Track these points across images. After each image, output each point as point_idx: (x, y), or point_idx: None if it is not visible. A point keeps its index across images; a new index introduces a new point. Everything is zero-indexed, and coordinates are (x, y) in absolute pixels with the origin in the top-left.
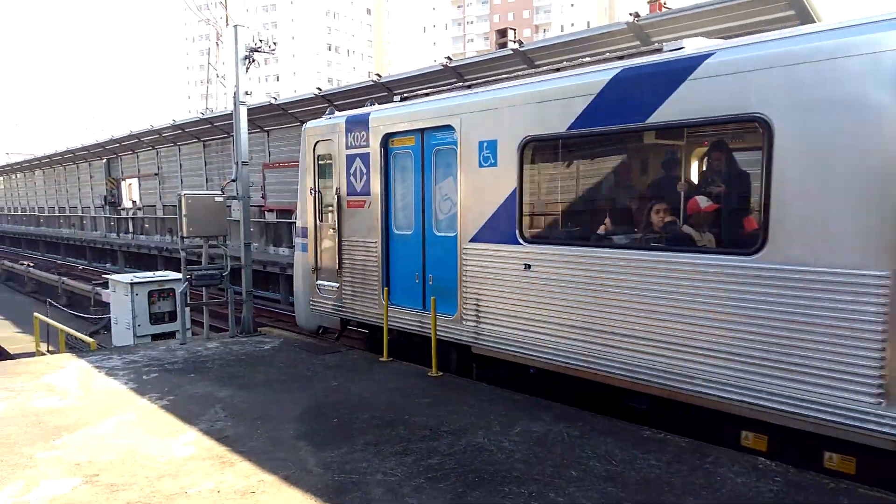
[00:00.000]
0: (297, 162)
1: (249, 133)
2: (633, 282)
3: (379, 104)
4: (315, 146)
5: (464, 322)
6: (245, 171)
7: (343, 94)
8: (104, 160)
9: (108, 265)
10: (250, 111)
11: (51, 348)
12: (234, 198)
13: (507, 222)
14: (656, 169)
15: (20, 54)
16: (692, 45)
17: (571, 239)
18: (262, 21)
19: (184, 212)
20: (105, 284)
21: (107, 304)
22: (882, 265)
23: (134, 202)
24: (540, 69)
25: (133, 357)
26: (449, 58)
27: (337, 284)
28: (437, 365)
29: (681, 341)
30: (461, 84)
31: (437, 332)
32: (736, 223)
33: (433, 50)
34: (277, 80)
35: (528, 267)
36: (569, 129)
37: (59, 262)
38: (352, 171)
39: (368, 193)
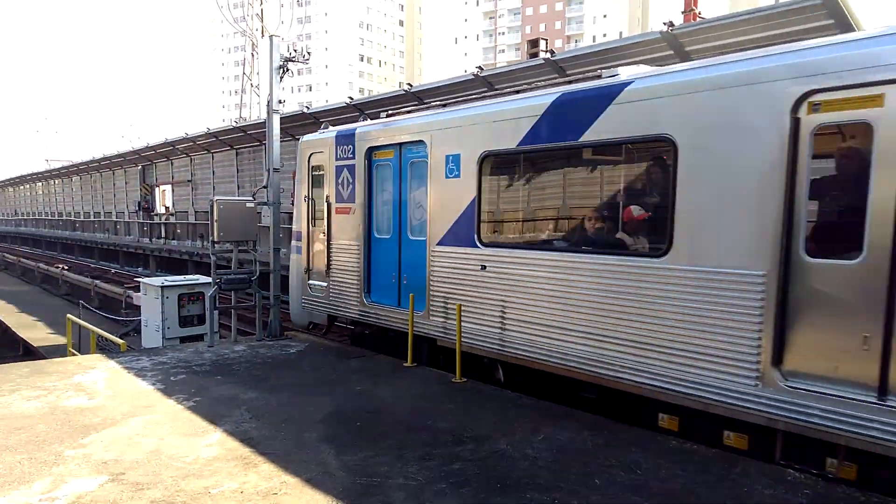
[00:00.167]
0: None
1: (281, 141)
2: (568, 281)
3: (370, 119)
4: (309, 158)
5: (431, 318)
6: (276, 178)
7: (373, 103)
8: (139, 167)
9: (139, 269)
10: (283, 119)
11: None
12: (264, 204)
13: (468, 227)
14: (589, 181)
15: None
16: (626, 73)
17: (520, 243)
18: (297, 33)
19: (215, 217)
20: (136, 288)
21: (138, 307)
22: (759, 266)
23: (167, 208)
24: (502, 91)
25: (161, 359)
26: (480, 67)
27: (325, 284)
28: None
29: (606, 333)
30: (438, 102)
31: (397, 325)
32: (650, 230)
33: (464, 61)
34: (310, 90)
35: (484, 267)
36: (518, 145)
37: (92, 265)
38: (340, 181)
39: (354, 201)
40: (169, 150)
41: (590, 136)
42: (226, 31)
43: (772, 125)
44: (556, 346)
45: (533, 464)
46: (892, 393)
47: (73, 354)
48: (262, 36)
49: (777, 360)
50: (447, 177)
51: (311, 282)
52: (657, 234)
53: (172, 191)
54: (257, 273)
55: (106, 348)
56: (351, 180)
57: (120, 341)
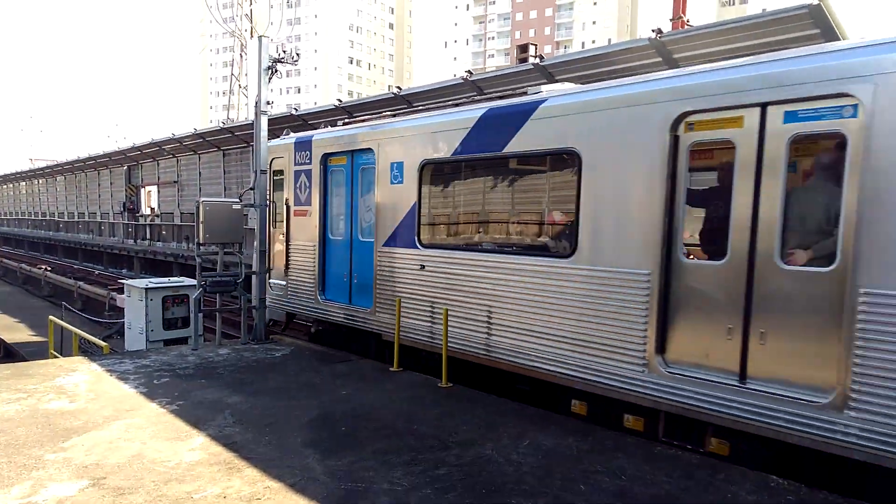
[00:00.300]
0: None
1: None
2: (493, 279)
3: (331, 126)
4: (271, 162)
5: (377, 314)
6: (263, 180)
7: (362, 105)
8: (125, 167)
9: (124, 271)
10: (271, 121)
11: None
12: (251, 206)
13: (410, 230)
14: (512, 189)
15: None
16: (553, 89)
17: (454, 244)
18: (286, 34)
19: (201, 218)
20: (120, 290)
21: (121, 310)
22: (646, 266)
23: (152, 209)
24: (444, 104)
25: (145, 362)
26: (469, 72)
27: (285, 282)
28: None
29: (526, 327)
30: (388, 112)
31: (355, 322)
32: (560, 234)
33: (453, 65)
34: (299, 92)
35: (423, 267)
36: (452, 155)
37: (76, 266)
38: (298, 185)
39: (310, 204)
40: (155, 151)
41: (512, 147)
42: (214, 32)
43: (655, 142)
44: (485, 340)
45: (518, 469)
46: (750, 377)
47: (55, 357)
48: (251, 37)
49: (660, 348)
50: (392, 183)
51: (271, 281)
52: (566, 237)
53: (158, 192)
54: (243, 276)
55: (88, 351)
56: (308, 184)
57: (103, 343)
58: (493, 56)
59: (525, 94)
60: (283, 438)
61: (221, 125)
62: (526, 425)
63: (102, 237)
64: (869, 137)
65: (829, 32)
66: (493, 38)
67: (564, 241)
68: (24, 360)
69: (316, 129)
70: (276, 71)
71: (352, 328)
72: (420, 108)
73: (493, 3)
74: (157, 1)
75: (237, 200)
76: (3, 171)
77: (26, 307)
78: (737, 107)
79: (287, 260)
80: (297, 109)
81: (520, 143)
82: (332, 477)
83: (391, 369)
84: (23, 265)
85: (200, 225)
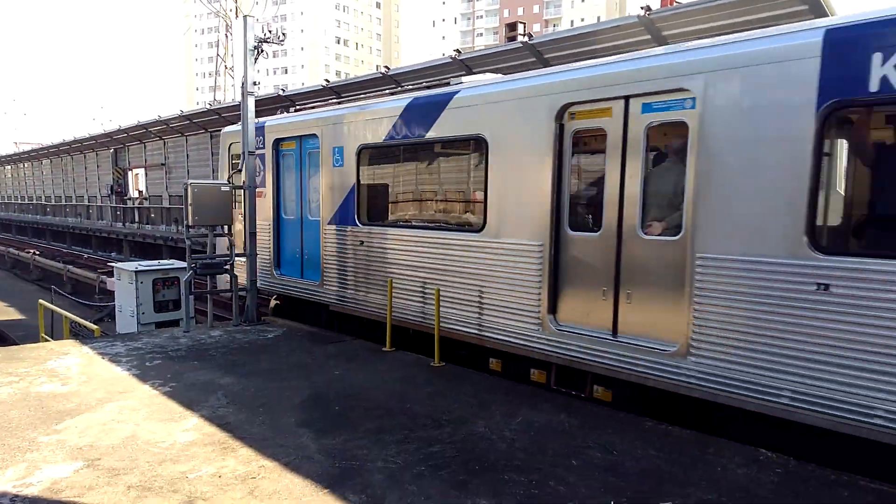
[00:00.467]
0: None
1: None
2: (422, 252)
3: (286, 112)
4: (230, 147)
5: (325, 286)
6: (252, 161)
7: (350, 86)
8: (111, 150)
9: (113, 254)
10: (258, 102)
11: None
12: (239, 187)
13: (350, 209)
14: (435, 171)
15: (30, 45)
16: (470, 80)
17: (388, 222)
18: (272, 14)
19: (190, 201)
20: (110, 273)
21: (111, 293)
22: (539, 238)
23: (140, 192)
24: (383, 91)
25: (136, 344)
26: (458, 51)
27: (242, 259)
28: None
29: (451, 295)
30: (335, 101)
31: (307, 295)
32: (474, 210)
33: (442, 44)
34: (286, 72)
35: (362, 243)
36: (384, 140)
37: (64, 250)
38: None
39: (265, 186)
40: (142, 133)
41: (433, 133)
42: (199, 12)
43: (545, 129)
44: (418, 308)
45: (511, 446)
46: (620, 332)
47: (46, 340)
48: (237, 16)
49: (552, 309)
50: (334, 166)
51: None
52: (478, 214)
53: (146, 174)
54: (233, 257)
55: (80, 334)
56: (262, 168)
57: (94, 327)
58: (481, 35)
59: (448, 84)
60: (277, 418)
61: (208, 106)
62: (518, 403)
63: (91, 220)
64: (702, 125)
65: (816, 7)
66: (481, 16)
67: (477, 217)
68: (15, 343)
69: (304, 109)
70: (262, 51)
71: (302, 300)
72: (365, 94)
73: None
74: None
75: (226, 182)
76: None
77: (16, 291)
78: (607, 99)
79: (245, 237)
80: (284, 90)
81: (439, 130)
82: (326, 455)
83: (383, 349)
84: (11, 249)
85: (189, 207)
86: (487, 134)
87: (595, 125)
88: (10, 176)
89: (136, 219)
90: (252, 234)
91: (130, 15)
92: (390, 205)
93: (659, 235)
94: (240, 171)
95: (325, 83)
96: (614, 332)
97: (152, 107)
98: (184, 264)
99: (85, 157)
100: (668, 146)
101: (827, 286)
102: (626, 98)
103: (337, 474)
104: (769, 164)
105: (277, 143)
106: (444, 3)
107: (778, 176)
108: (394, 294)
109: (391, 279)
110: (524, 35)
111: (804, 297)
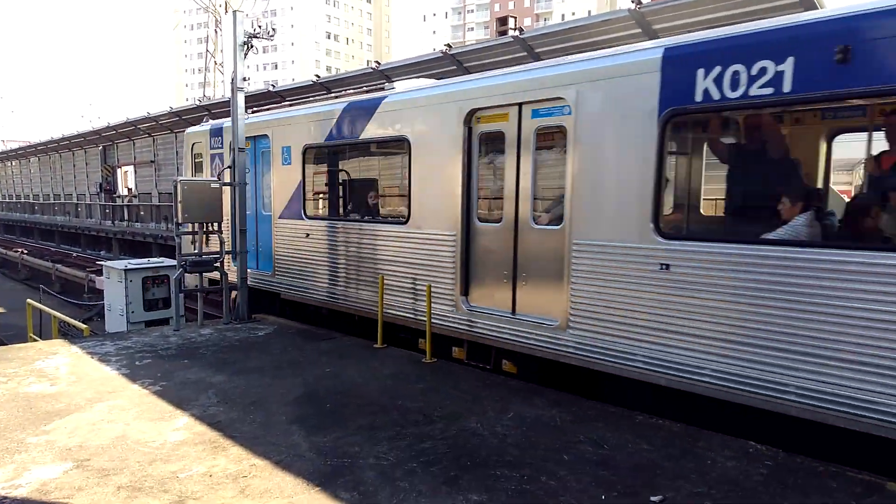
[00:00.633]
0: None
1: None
2: (359, 243)
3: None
4: (192, 146)
5: (276, 276)
6: (241, 158)
7: (341, 81)
8: (100, 147)
9: (102, 252)
10: (248, 98)
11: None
12: (229, 184)
13: (298, 204)
14: (370, 168)
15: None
16: (401, 86)
17: (329, 216)
18: (262, 9)
19: (179, 198)
20: (99, 271)
21: (100, 292)
22: (453, 229)
23: (129, 189)
24: (327, 96)
25: (126, 343)
26: (448, 45)
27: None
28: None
29: (386, 281)
30: (285, 103)
31: (261, 285)
32: (402, 204)
33: (433, 39)
34: (276, 68)
35: (307, 235)
36: (325, 140)
37: (53, 249)
38: (213, 167)
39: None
40: (131, 130)
41: (366, 134)
42: (188, 7)
43: (456, 132)
44: (357, 295)
45: (503, 441)
46: (518, 311)
47: (35, 340)
48: (226, 12)
49: (465, 292)
50: (283, 164)
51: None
52: (404, 207)
53: (135, 172)
54: (223, 255)
55: (68, 333)
56: (221, 166)
57: (83, 326)
58: (472, 29)
59: (382, 88)
60: (268, 416)
61: (198, 103)
62: (510, 398)
63: (80, 219)
64: (576, 129)
65: (808, 1)
66: (472, 10)
67: (403, 210)
68: (3, 343)
69: (295, 105)
70: (251, 47)
71: (259, 290)
72: (315, 97)
73: None
74: None
75: (215, 179)
76: None
77: (3, 291)
78: (504, 105)
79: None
80: (274, 86)
81: (371, 131)
82: (318, 453)
83: (375, 346)
84: None
85: (179, 204)
86: (410, 135)
87: (496, 128)
88: None
89: (126, 217)
90: (242, 232)
91: (119, 11)
92: (332, 200)
93: (547, 225)
94: (230, 167)
95: (315, 78)
96: (513, 310)
97: (141, 103)
98: (174, 262)
99: (73, 154)
100: (552, 147)
101: (668, 266)
102: (520, 105)
103: (328, 472)
104: (625, 163)
105: None
106: None
107: (632, 173)
108: (338, 283)
109: (321, 266)
110: (515, 29)
111: (652, 275)
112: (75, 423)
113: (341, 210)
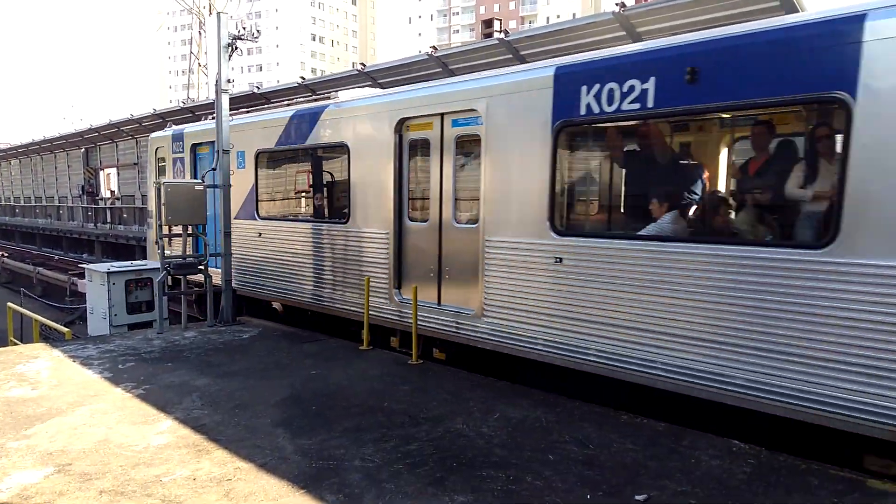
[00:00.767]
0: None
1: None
2: (304, 241)
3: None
4: (156, 151)
5: (234, 273)
6: (226, 160)
7: (326, 83)
8: (83, 150)
9: (84, 255)
10: (232, 100)
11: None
12: (213, 186)
13: (251, 205)
14: (314, 172)
15: None
16: (343, 96)
17: (279, 216)
18: (246, 11)
19: (163, 200)
20: (81, 274)
21: (83, 295)
22: (386, 228)
23: (112, 192)
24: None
25: (109, 346)
26: (434, 47)
27: (169, 251)
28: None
29: (326, 278)
30: (244, 108)
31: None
32: (343, 206)
33: (418, 41)
34: (260, 70)
35: (260, 234)
36: (275, 145)
37: (34, 252)
38: (175, 169)
39: None
40: (114, 132)
41: (311, 140)
42: (172, 9)
43: (389, 139)
44: (305, 290)
45: (489, 442)
46: (442, 302)
47: (15, 344)
48: (210, 13)
49: (397, 286)
50: (238, 167)
51: (159, 251)
52: (344, 208)
53: (118, 174)
54: (207, 257)
55: (50, 337)
56: (182, 169)
57: (65, 329)
58: (458, 31)
59: (329, 97)
60: (253, 419)
61: (182, 105)
62: (496, 399)
63: (61, 222)
64: (486, 138)
65: (788, 4)
66: (457, 13)
67: (344, 211)
68: None
69: (280, 106)
70: (236, 48)
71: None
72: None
73: None
74: None
75: (200, 181)
76: None
77: None
78: (429, 115)
79: (171, 232)
80: (259, 88)
81: (315, 138)
82: (303, 455)
83: (361, 348)
84: None
85: (163, 207)
86: (349, 142)
87: (423, 136)
88: None
89: (108, 219)
90: (227, 234)
91: (101, 11)
92: (282, 201)
93: (465, 224)
94: (214, 169)
95: (300, 80)
96: (439, 301)
97: (124, 105)
98: (157, 265)
99: (55, 156)
100: (470, 153)
101: (561, 259)
102: (442, 115)
103: (314, 474)
104: (527, 168)
105: (194, 147)
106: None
107: (532, 176)
108: (289, 279)
109: (272, 263)
110: (500, 32)
111: (549, 267)
112: (57, 428)
113: (290, 210)
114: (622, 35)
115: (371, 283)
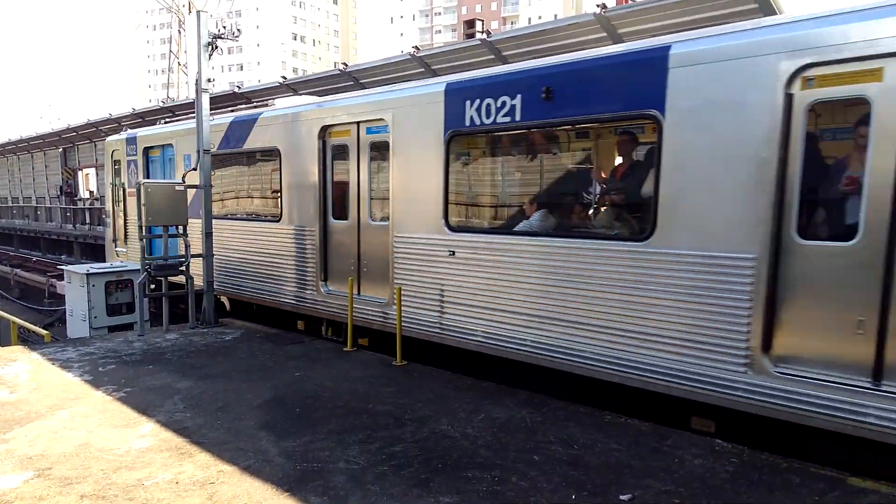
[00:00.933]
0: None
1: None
2: (250, 240)
3: (167, 122)
4: (112, 153)
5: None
6: (206, 160)
7: (308, 83)
8: (60, 149)
9: (63, 256)
10: (213, 99)
11: None
12: (195, 186)
13: (196, 205)
14: (253, 174)
15: None
16: (279, 104)
17: (225, 215)
18: (226, 9)
19: (143, 201)
20: (60, 276)
21: (62, 297)
22: (314, 226)
23: (91, 192)
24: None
25: (89, 349)
26: (416, 47)
27: (125, 249)
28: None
29: (267, 273)
30: (191, 114)
31: (169, 277)
32: (275, 206)
33: (400, 41)
34: (241, 69)
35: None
36: (218, 149)
37: (11, 253)
38: (130, 171)
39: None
40: (92, 132)
41: (248, 145)
42: (151, 7)
43: (314, 144)
44: (255, 285)
45: (473, 443)
46: (362, 292)
47: None
48: (189, 12)
49: (324, 278)
50: (185, 169)
51: (116, 249)
52: (278, 207)
53: (97, 174)
54: (189, 258)
55: (28, 340)
56: (136, 171)
57: (43, 332)
58: (440, 32)
59: (266, 105)
60: (236, 422)
61: (161, 104)
62: (481, 400)
63: (39, 222)
64: (394, 144)
65: (766, 6)
66: (439, 13)
67: (277, 210)
68: None
69: (263, 106)
70: (216, 47)
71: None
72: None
73: None
74: None
75: (180, 182)
76: None
77: None
78: (348, 123)
79: (125, 231)
80: (239, 87)
81: (252, 142)
82: (287, 458)
83: (345, 349)
84: None
85: (143, 207)
86: (281, 146)
87: (343, 142)
88: None
89: (88, 220)
90: (208, 235)
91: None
92: (225, 201)
93: (379, 222)
94: (195, 169)
95: (281, 80)
96: (359, 292)
97: (103, 105)
98: (137, 266)
99: (32, 157)
100: (382, 158)
101: (454, 252)
102: (358, 123)
103: (298, 477)
104: (425, 172)
105: (147, 150)
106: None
107: (430, 179)
108: (234, 274)
109: (223, 261)
110: (482, 32)
111: (444, 259)
112: (36, 431)
113: (231, 210)
114: (603, 36)
115: (303, 278)
